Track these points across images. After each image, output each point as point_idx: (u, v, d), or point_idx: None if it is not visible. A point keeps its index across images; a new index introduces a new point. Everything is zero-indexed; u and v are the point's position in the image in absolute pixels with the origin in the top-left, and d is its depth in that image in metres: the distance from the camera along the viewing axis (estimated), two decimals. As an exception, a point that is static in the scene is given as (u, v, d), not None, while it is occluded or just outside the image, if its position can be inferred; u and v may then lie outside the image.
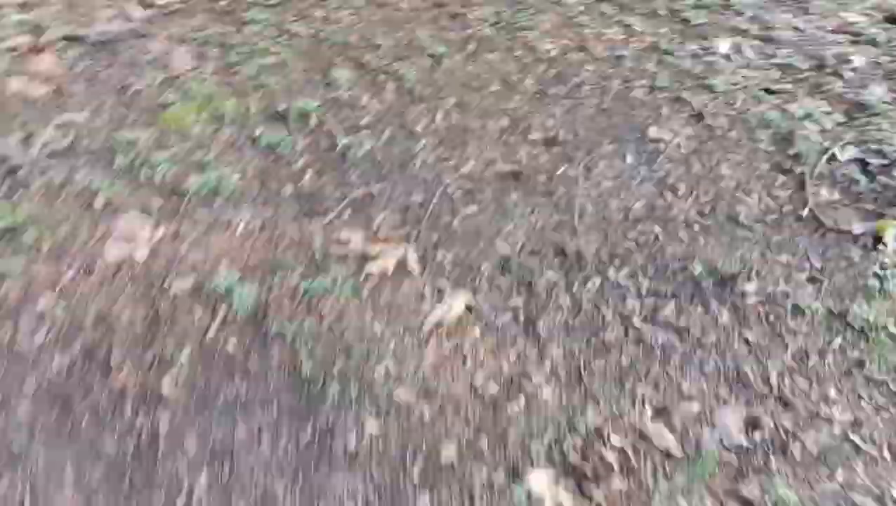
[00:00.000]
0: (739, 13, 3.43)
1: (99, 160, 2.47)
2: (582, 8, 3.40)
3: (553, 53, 3.10)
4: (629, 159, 2.61)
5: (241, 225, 2.28)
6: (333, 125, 2.66)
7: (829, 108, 2.86)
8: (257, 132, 2.60)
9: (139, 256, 2.17)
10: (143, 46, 3.01)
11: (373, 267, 2.15)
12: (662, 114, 2.82)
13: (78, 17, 3.15)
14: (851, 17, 3.48)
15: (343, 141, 2.58)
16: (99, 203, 2.32)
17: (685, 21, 3.35)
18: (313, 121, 2.66)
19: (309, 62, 2.96)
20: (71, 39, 3.00)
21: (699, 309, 2.10)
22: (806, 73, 3.06)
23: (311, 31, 3.13)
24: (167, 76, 2.84)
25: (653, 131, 2.73)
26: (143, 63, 2.90)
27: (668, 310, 2.10)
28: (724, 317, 2.08)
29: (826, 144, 2.68)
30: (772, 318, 2.08)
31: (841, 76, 3.04)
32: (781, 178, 2.55)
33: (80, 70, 2.84)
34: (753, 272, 2.21)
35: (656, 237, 2.31)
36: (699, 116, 2.81)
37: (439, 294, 2.11)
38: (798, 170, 2.58)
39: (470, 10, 3.31)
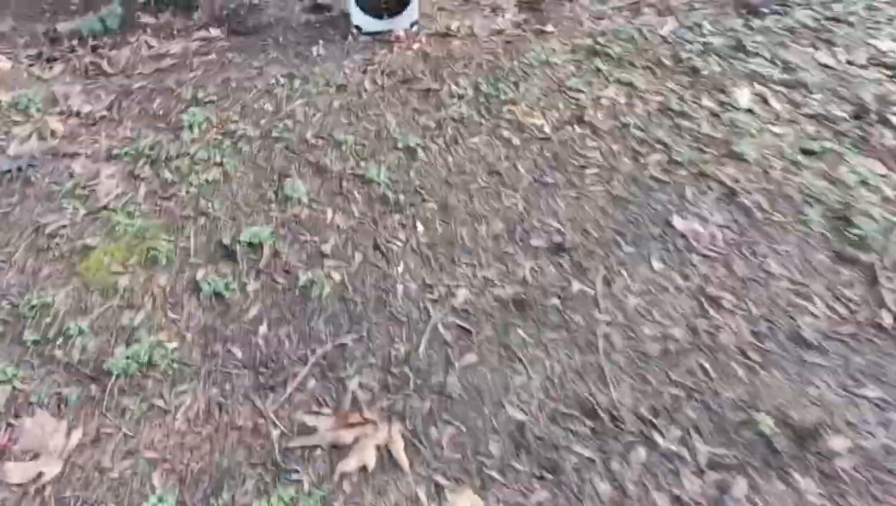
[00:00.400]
0: (755, 53, 2.98)
1: (4, 336, 1.99)
2: (573, 68, 2.94)
3: (547, 129, 2.63)
4: (656, 263, 2.13)
5: (180, 414, 1.80)
6: (292, 256, 2.18)
7: (884, 170, 2.39)
8: (199, 276, 2.12)
9: (49, 476, 1.68)
10: (63, 169, 2.54)
11: (348, 464, 1.66)
12: (687, 196, 2.34)
13: (-12, 139, 2.68)
14: (883, 44, 3.03)
15: (304, 277, 2.10)
16: (1, 400, 1.83)
17: (694, 70, 2.89)
18: (267, 253, 2.18)
19: (259, 172, 2.49)
20: (-23, 171, 2.53)
21: (778, 483, 1.61)
22: (846, 124, 2.59)
23: (259, 130, 2.66)
24: (91, 208, 2.37)
25: (679, 222, 2.26)
26: (63, 193, 2.42)
27: (739, 489, 1.60)
28: (812, 493, 1.59)
29: (892, 217, 2.20)
30: (874, 489, 1.59)
31: (889, 123, 2.58)
32: (846, 271, 2.08)
33: (-15, 211, 2.37)
34: (837, 418, 1.72)
35: (707, 376, 1.83)
36: (731, 195, 2.34)
37: (437, 495, 1.62)
38: (864, 258, 2.10)
39: (443, 85, 2.85)
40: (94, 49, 3.39)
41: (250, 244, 2.19)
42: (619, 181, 2.41)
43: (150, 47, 3.40)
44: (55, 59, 3.32)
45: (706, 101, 2.73)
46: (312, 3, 3.42)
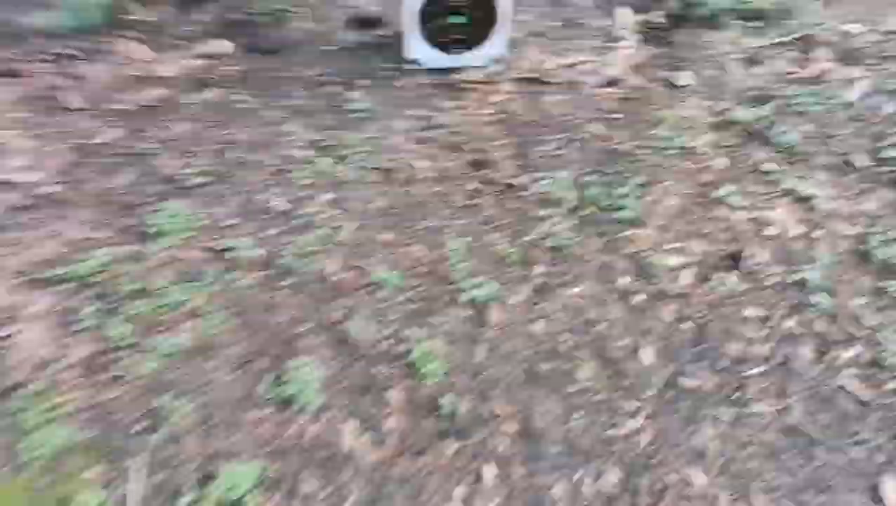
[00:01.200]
0: None
1: None
2: (723, 162, 2.00)
3: (683, 279, 1.75)
4: None
5: None
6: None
7: None
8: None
9: None
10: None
11: None
12: (910, 447, 1.48)
13: None
14: None
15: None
16: None
17: (906, 181, 1.94)
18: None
19: (253, 337, 1.68)
20: None
21: None
22: None
23: (263, 248, 1.83)
24: None
25: (890, 488, 1.41)
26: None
27: None
28: None
29: None
30: None
31: None
32: None
33: None
34: None
35: None
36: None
37: None
38: None
39: (532, 178, 1.96)
40: (64, 58, 2.55)
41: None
42: (797, 397, 1.55)
43: (133, 62, 2.54)
44: (18, 75, 2.49)
45: (930, 246, 1.80)
46: (355, 16, 2.48)
